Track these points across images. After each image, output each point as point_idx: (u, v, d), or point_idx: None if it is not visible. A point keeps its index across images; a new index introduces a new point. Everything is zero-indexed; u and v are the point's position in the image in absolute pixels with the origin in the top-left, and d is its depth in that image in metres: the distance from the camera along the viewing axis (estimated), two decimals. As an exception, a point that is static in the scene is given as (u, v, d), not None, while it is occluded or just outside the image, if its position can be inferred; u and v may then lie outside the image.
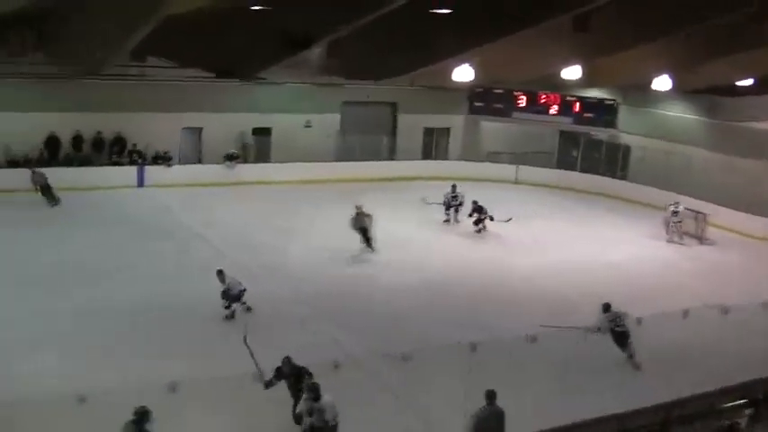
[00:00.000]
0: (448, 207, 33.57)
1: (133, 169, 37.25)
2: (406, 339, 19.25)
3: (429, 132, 45.55)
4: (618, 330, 19.55)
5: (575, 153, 44.87)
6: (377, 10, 27.58)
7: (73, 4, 29.70)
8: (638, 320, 19.17)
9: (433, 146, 45.74)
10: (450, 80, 36.79)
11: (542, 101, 43.40)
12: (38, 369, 17.48)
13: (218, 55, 32.77)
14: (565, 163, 44.57)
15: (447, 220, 33.57)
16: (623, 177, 42.22)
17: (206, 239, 29.29)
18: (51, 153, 37.04)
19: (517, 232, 31.70)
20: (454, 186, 33.77)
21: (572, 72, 36.09)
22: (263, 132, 41.08)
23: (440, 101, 43.50)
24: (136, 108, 37.38)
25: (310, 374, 15.25)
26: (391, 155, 43.75)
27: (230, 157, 38.87)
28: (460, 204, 33.38)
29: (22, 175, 34.09)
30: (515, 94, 43.63)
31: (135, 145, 37.91)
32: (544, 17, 28.28)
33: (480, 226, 31.93)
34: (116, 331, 20.11)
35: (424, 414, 16.44)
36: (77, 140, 37.50)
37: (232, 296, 21.22)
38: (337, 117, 42.82)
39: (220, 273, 21.27)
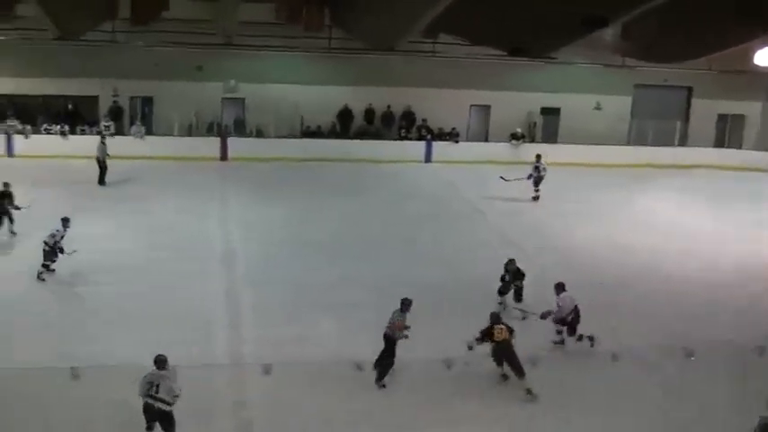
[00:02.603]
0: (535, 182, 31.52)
1: (421, 144, 37.90)
2: (688, 335, 18.46)
3: (722, 119, 43.43)
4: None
5: None
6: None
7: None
8: None
9: (727, 133, 43.67)
10: (751, 64, 35.09)
11: None
12: (307, 333, 18.15)
13: (510, 33, 32.58)
14: None
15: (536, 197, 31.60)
16: None
17: (487, 218, 29.25)
18: (344, 125, 38.32)
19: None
20: (539, 156, 31.78)
21: None
22: (551, 112, 40.70)
23: (737, 86, 41.13)
24: (425, 84, 37.98)
25: None
26: (683, 141, 42.14)
27: (516, 137, 38.69)
28: (541, 178, 31.42)
29: (316, 146, 36.01)
30: (822, 80, 40.77)
31: (425, 120, 38.52)
32: None
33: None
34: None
35: (698, 413, 15.67)
36: (369, 114, 38.68)
37: None
38: (628, 100, 41.81)
39: None
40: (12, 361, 15.48)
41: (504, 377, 16.61)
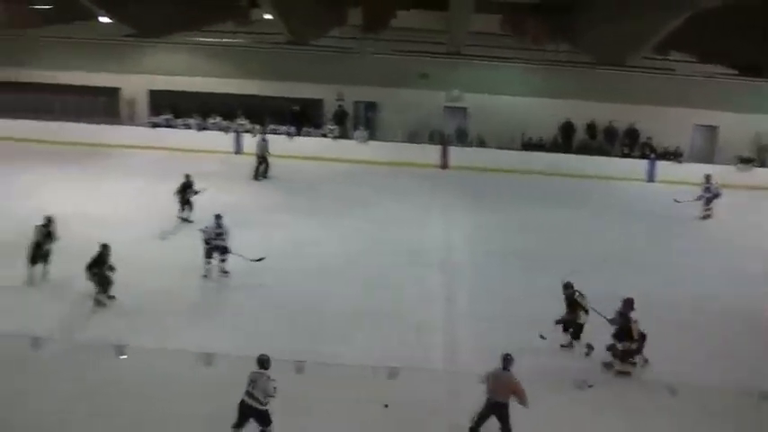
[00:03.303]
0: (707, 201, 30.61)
1: (644, 162, 36.93)
2: None
3: None
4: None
5: None
6: None
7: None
8: None
9: None
10: None
11: None
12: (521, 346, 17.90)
13: (743, 51, 31.58)
14: None
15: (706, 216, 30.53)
16: None
17: (707, 239, 28.31)
18: (565, 139, 37.90)
19: None
20: (708, 177, 30.79)
21: None
22: (782, 135, 38.91)
23: None
24: (650, 101, 36.89)
25: None
26: None
27: (744, 160, 37.21)
28: (715, 196, 30.38)
29: (537, 158, 36.00)
30: None
31: (650, 138, 37.55)
32: None
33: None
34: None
35: None
36: (592, 129, 38.03)
37: None
38: None
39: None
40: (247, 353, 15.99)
41: (646, 360, 17.15)
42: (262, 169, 33.14)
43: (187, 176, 26.64)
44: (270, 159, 33.28)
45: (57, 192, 28.51)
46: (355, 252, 24.45)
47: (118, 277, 19.48)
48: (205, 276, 21.53)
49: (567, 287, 18.16)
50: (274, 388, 13.53)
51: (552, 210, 30.56)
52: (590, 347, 18.00)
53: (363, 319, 19.36)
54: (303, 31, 34.03)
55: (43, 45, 38.39)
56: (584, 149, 37.61)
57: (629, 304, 17.19)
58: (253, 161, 33.32)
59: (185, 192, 26.42)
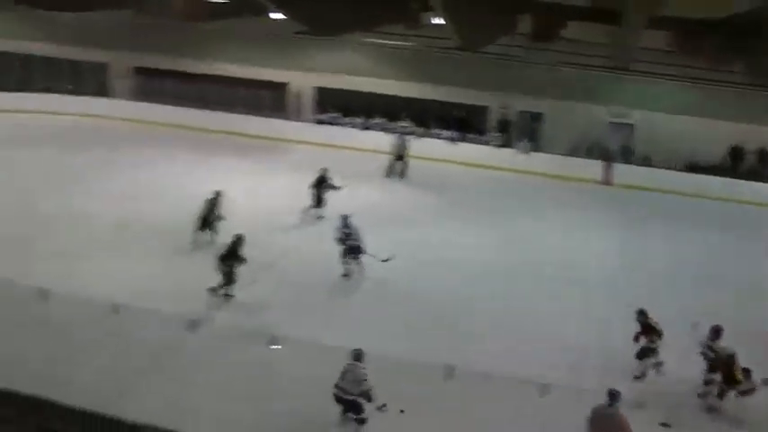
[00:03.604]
0: None
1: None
2: None
3: None
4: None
5: None
6: None
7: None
8: None
9: None
10: None
11: None
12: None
13: None
14: None
15: None
16: None
17: None
18: (733, 163, 36.87)
19: None
20: None
21: None
22: None
23: None
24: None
25: None
26: None
27: None
28: None
29: (701, 181, 35.02)
30: None
31: (825, 170, 36.02)
32: None
33: None
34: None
35: None
36: (763, 154, 36.88)
37: None
38: None
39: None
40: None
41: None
42: (398, 168, 33.62)
43: (323, 171, 26.98)
44: (406, 159, 33.86)
45: (233, 181, 28.97)
46: (505, 261, 24.58)
47: (265, 269, 20.07)
48: (345, 275, 21.87)
49: (641, 314, 17.72)
50: (365, 373, 14.03)
51: (712, 234, 29.74)
52: (643, 374, 17.53)
53: (507, 331, 19.37)
54: (473, 37, 33.95)
55: (215, 38, 39.65)
56: (753, 175, 36.37)
57: (715, 333, 16.62)
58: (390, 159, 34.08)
59: (320, 186, 26.78)
